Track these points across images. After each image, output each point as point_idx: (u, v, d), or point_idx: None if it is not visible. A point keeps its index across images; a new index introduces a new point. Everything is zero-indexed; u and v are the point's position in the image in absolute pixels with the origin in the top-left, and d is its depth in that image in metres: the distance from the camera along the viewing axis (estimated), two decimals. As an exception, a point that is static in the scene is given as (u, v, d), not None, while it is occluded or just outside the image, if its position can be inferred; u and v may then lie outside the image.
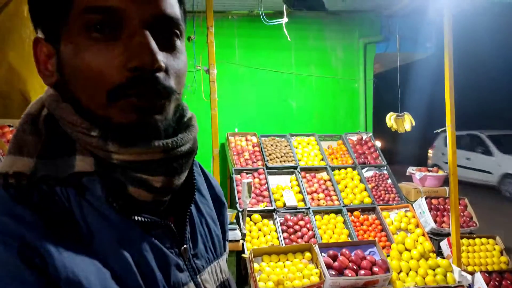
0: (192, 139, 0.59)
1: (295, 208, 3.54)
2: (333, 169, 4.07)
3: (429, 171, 4.24)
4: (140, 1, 0.51)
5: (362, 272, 2.72)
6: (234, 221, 3.28)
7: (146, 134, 0.52)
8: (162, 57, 0.52)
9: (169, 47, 0.54)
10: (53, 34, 0.54)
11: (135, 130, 0.52)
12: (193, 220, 0.66)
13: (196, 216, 0.67)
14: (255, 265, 2.79)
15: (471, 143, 10.06)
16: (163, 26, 0.53)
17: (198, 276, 0.62)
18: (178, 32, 0.56)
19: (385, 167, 4.18)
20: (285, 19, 3.92)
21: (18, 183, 0.50)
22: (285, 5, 3.72)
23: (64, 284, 0.45)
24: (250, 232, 3.27)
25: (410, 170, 4.41)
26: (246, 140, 4.31)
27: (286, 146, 4.28)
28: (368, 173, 4.11)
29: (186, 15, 0.61)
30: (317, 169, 4.07)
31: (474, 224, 3.72)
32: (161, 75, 0.52)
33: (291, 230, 3.33)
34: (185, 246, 0.61)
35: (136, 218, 0.54)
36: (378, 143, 4.63)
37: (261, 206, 3.47)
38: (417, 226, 3.49)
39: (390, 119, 4.01)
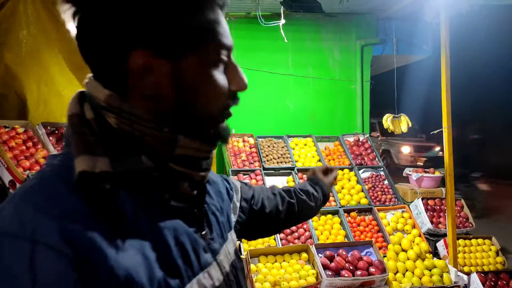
0: None
1: (292, 209, 3.54)
2: (330, 170, 4.06)
3: (425, 172, 4.25)
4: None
5: (359, 272, 2.72)
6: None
7: (224, 138, 0.68)
8: None
9: None
10: (172, 54, 0.59)
11: (222, 133, 0.67)
12: (206, 209, 0.75)
13: (208, 205, 0.77)
14: (252, 266, 2.79)
15: None
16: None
17: (217, 257, 0.72)
18: None
19: (382, 168, 4.19)
20: (282, 21, 3.93)
21: (104, 185, 0.55)
22: (282, 7, 3.74)
23: (117, 280, 0.52)
24: (247, 233, 3.27)
25: (407, 171, 4.43)
26: (243, 141, 4.31)
27: (283, 147, 4.28)
28: (364, 174, 4.12)
29: None
30: (314, 170, 4.07)
31: (470, 225, 3.74)
32: None
33: (288, 230, 3.34)
34: (205, 231, 0.71)
35: (174, 204, 0.64)
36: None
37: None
38: (413, 226, 3.50)
39: (387, 121, 4.02)
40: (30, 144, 2.87)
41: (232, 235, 0.84)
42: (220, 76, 0.64)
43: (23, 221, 0.50)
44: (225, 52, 0.64)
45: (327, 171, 1.32)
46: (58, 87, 3.19)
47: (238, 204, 0.95)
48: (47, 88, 3.16)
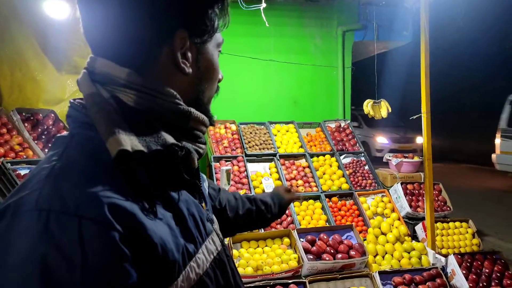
0: None
1: (274, 194, 3.55)
2: (311, 156, 4.10)
3: (405, 157, 4.32)
4: None
5: (339, 256, 2.76)
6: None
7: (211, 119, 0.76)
8: None
9: None
10: (200, 41, 0.70)
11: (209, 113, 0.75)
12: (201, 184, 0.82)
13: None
14: (234, 251, 2.80)
15: None
16: None
17: (213, 225, 0.80)
18: None
19: (363, 154, 4.24)
20: (263, 5, 3.88)
21: (140, 163, 0.58)
22: (263, -9, 3.69)
23: (156, 249, 0.56)
24: (229, 219, 3.27)
25: (387, 156, 4.49)
26: (225, 127, 4.29)
27: (265, 134, 4.28)
28: (346, 159, 4.16)
29: None
30: (296, 156, 4.09)
31: (448, 209, 3.83)
32: None
33: (269, 215, 3.34)
34: (203, 202, 0.79)
35: (186, 177, 0.66)
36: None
37: (240, 193, 3.47)
38: (393, 210, 3.56)
39: (368, 106, 4.05)
40: (4, 130, 2.78)
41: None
42: (216, 61, 0.74)
43: (65, 197, 0.52)
44: (222, 39, 0.76)
45: (289, 190, 1.43)
46: (33, 72, 3.09)
47: (207, 189, 1.00)
48: (21, 73, 3.06)
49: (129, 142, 0.58)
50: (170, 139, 0.63)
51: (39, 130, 3.00)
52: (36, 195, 0.52)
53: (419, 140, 10.75)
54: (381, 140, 11.09)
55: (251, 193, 3.49)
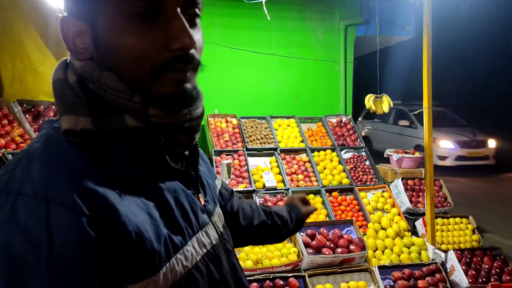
0: (202, 103, 0.70)
1: (275, 189, 3.56)
2: (312, 150, 4.09)
3: (406, 153, 4.32)
4: None
5: (339, 250, 2.77)
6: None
7: (181, 102, 0.63)
8: (195, 37, 0.60)
9: (193, 25, 0.63)
10: (89, 13, 0.58)
11: (172, 99, 0.62)
12: (200, 175, 0.78)
13: (201, 172, 0.79)
14: (234, 245, 2.80)
15: None
16: (189, 7, 0.61)
17: (212, 218, 0.76)
18: (198, 12, 0.64)
19: (363, 149, 4.24)
20: (264, -2, 3.86)
21: (86, 139, 0.57)
22: (265, -16, 3.66)
23: (129, 236, 0.54)
24: (229, 212, 3.27)
25: (388, 152, 4.49)
26: (226, 121, 4.28)
27: (266, 128, 4.27)
28: (346, 154, 4.15)
29: None
30: (296, 151, 4.09)
31: (449, 204, 3.83)
32: (194, 51, 0.62)
33: (270, 210, 3.35)
34: (201, 193, 0.75)
35: (173, 165, 0.64)
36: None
37: (241, 187, 3.48)
38: (393, 206, 3.57)
39: (369, 101, 4.04)
40: (5, 122, 2.78)
41: (218, 202, 0.87)
42: (132, 34, 0.57)
43: (35, 181, 0.51)
44: (140, 3, 0.56)
45: (305, 202, 1.30)
46: (34, 63, 3.08)
47: (218, 187, 0.97)
48: (22, 65, 3.05)
49: (78, 122, 0.57)
50: (130, 121, 0.60)
51: (40, 121, 3.00)
52: (7, 177, 0.52)
53: (491, 143, 8.88)
54: (446, 144, 8.75)
55: (251, 186, 3.49)
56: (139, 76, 0.59)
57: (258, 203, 3.34)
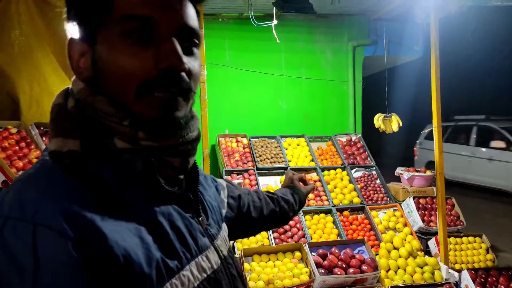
0: (198, 128, 0.71)
1: (285, 208, 3.56)
2: (322, 169, 4.11)
3: (417, 171, 4.31)
4: (168, 13, 0.61)
5: (351, 270, 2.75)
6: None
7: (169, 128, 0.63)
8: (186, 60, 0.61)
9: (189, 53, 0.64)
10: (90, 35, 0.62)
11: (160, 124, 0.62)
12: (201, 197, 0.78)
13: (202, 194, 0.80)
14: (246, 265, 2.81)
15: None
16: (185, 35, 0.63)
17: (214, 241, 0.75)
18: (196, 41, 0.65)
19: (374, 168, 4.24)
20: (274, 22, 3.96)
21: (72, 160, 0.59)
22: (274, 8, 3.76)
23: (117, 260, 0.52)
24: (240, 232, 3.28)
25: (399, 170, 4.48)
26: (237, 141, 4.33)
27: (276, 147, 4.31)
28: (357, 173, 4.16)
29: (201, 27, 0.70)
30: (307, 170, 4.11)
31: (461, 223, 3.79)
32: (184, 75, 0.62)
33: (281, 229, 3.36)
34: (202, 217, 0.73)
35: (168, 188, 0.64)
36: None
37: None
38: (405, 225, 3.54)
39: (378, 120, 4.07)
40: (23, 144, 2.86)
41: (224, 226, 0.87)
42: (123, 54, 0.59)
43: (24, 205, 0.52)
44: (134, 24, 0.59)
45: (303, 181, 1.38)
46: (51, 87, 3.18)
47: (225, 200, 1.00)
48: (40, 88, 3.14)
49: (66, 144, 0.59)
50: (119, 143, 0.61)
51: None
52: None
53: None
54: None
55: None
56: (126, 96, 0.60)
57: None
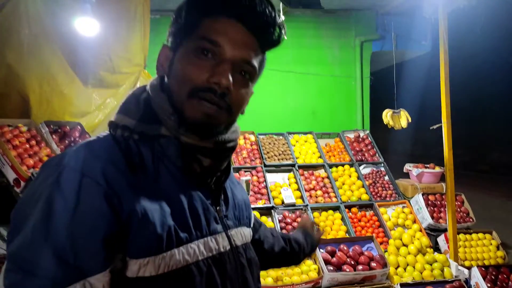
0: (236, 140, 0.87)
1: (293, 205, 3.57)
2: (330, 166, 4.10)
3: (426, 167, 4.27)
4: (234, 47, 0.76)
5: (360, 267, 2.75)
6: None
7: (203, 131, 0.78)
8: (231, 83, 0.75)
9: (241, 81, 0.79)
10: (176, 45, 0.80)
11: (197, 126, 0.76)
12: (226, 192, 0.91)
13: (229, 190, 0.93)
14: (254, 262, 2.81)
15: None
16: (242, 67, 0.78)
17: (228, 231, 0.85)
18: (248, 75, 0.81)
19: (382, 164, 4.22)
20: (282, 17, 3.94)
21: (123, 133, 0.76)
22: (281, 3, 3.75)
23: (136, 214, 0.68)
24: (249, 229, 3.29)
25: (407, 166, 4.45)
26: (244, 138, 4.33)
27: (283, 144, 4.30)
28: (365, 170, 4.14)
29: (263, 66, 0.89)
30: (314, 167, 4.10)
31: (471, 220, 3.76)
32: (227, 92, 0.75)
33: (290, 227, 3.36)
34: (220, 207, 0.86)
35: (191, 175, 0.79)
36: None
37: (260, 204, 3.50)
38: (414, 222, 3.52)
39: (387, 116, 4.04)
40: (33, 142, 2.89)
41: (248, 229, 0.96)
42: (189, 63, 0.76)
43: (78, 159, 0.69)
44: (207, 44, 0.75)
45: (313, 227, 1.46)
46: (60, 86, 3.20)
47: (252, 219, 1.06)
48: (49, 87, 3.17)
49: (123, 120, 0.78)
50: (164, 131, 0.77)
51: (66, 142, 3.10)
52: (64, 154, 0.71)
53: None
54: None
55: (270, 203, 3.51)
56: (181, 94, 0.76)
57: (277, 220, 3.38)
